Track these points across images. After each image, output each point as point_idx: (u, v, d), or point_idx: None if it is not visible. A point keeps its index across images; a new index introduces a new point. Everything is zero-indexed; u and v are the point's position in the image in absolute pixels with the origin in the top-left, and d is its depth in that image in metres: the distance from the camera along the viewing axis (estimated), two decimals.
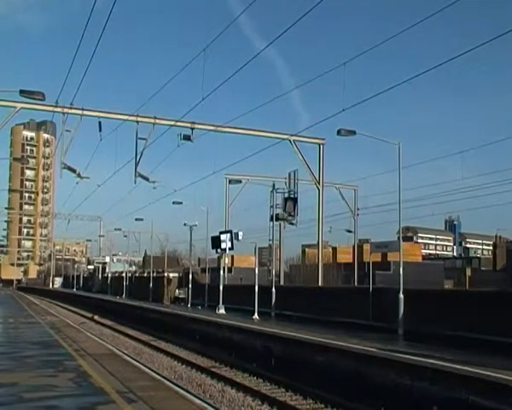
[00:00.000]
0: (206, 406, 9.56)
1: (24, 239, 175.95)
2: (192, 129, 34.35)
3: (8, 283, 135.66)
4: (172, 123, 34.27)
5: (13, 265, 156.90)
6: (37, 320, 28.05)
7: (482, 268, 55.15)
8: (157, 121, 34.63)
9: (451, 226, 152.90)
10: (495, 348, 16.76)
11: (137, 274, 70.39)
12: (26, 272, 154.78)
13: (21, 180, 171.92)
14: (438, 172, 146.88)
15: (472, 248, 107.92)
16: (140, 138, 34.31)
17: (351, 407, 12.82)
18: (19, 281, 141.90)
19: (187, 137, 34.15)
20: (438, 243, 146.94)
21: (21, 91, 23.20)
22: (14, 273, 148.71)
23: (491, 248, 59.74)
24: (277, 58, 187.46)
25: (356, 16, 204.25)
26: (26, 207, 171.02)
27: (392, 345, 17.13)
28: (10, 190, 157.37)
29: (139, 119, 34.57)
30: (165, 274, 53.98)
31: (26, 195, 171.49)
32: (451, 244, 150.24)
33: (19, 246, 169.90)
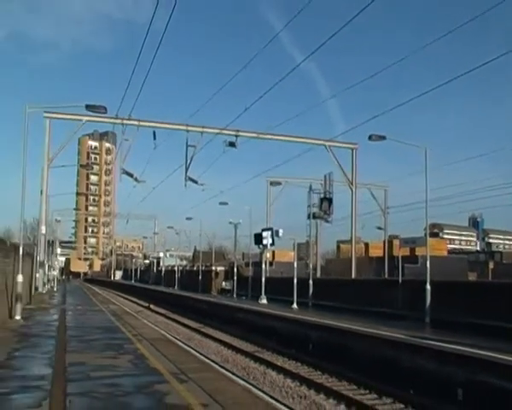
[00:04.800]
0: (249, 387, 9.56)
1: (89, 237, 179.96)
2: (236, 136, 34.53)
3: (76, 275, 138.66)
4: (218, 131, 34.48)
5: (80, 259, 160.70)
6: (101, 308, 28.53)
7: (504, 261, 53.74)
8: (205, 130, 34.92)
9: (475, 223, 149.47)
10: None
11: (188, 268, 70.98)
12: (91, 266, 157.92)
13: (87, 184, 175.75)
14: (463, 172, 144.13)
15: (494, 243, 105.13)
16: (190, 145, 34.72)
17: (382, 389, 12.65)
18: (85, 273, 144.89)
19: (232, 144, 34.36)
20: (462, 238, 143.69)
21: (87, 106, 23.65)
22: (81, 267, 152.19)
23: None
24: (315, 69, 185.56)
25: (386, 31, 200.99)
26: (90, 208, 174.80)
27: (420, 332, 16.83)
28: (77, 194, 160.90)
29: (189, 128, 34.93)
30: (213, 268, 54.27)
31: (91, 197, 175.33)
32: (475, 239, 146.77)
33: (85, 242, 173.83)
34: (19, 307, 19.84)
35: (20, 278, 20.32)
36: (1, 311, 17.49)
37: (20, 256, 20.63)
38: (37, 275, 37.60)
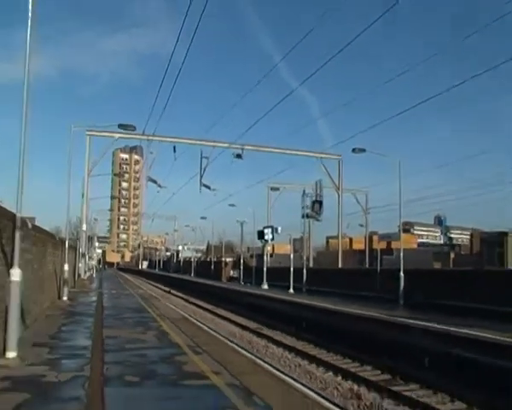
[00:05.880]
0: (253, 358, 9.57)
1: (121, 233, 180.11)
2: (242, 149, 34.64)
3: (111, 264, 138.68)
4: (227, 145, 34.61)
5: (113, 251, 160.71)
6: (131, 292, 28.55)
7: (462, 252, 53.73)
8: (216, 144, 35.05)
9: (439, 221, 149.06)
10: (472, 312, 16.53)
11: (202, 259, 71.08)
12: (122, 257, 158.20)
13: (119, 190, 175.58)
14: (430, 178, 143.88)
15: (455, 237, 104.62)
16: (204, 157, 34.85)
17: (363, 359, 12.66)
18: (118, 263, 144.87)
19: (239, 156, 34.49)
20: (429, 234, 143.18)
21: (119, 125, 23.94)
22: (115, 258, 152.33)
23: (469, 237, 57.95)
24: (307, 93, 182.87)
25: (371, 57, 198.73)
26: (122, 209, 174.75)
27: (395, 312, 16.86)
28: (112, 197, 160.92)
29: (203, 143, 35.10)
30: (223, 259, 54.38)
31: (123, 200, 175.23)
32: (439, 235, 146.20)
33: (117, 237, 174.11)
34: (65, 290, 20.10)
35: (66, 266, 20.64)
36: (52, 293, 17.58)
37: (66, 249, 20.96)
38: (80, 264, 37.70)
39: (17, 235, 7.87)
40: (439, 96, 18.50)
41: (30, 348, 8.58)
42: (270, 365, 9.50)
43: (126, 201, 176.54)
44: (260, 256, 42.60)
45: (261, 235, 35.09)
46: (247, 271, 43.64)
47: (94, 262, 65.93)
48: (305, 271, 31.49)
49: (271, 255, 49.79)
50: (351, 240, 58.39)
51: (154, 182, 38.72)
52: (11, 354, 7.55)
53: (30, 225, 11.10)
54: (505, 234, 44.31)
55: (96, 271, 67.63)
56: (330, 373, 11.50)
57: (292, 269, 31.09)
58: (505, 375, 9.70)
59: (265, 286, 33.35)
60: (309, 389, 7.47)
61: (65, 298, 19.57)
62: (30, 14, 7.97)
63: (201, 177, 34.97)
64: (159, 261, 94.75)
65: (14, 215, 8.01)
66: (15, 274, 7.64)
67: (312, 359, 12.99)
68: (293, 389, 6.78)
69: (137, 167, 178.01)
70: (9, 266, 7.77)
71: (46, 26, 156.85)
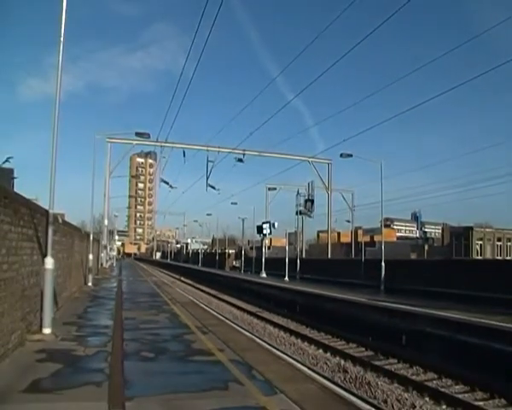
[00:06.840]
0: (253, 337, 9.59)
1: (137, 227, 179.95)
2: (243, 154, 34.64)
3: (129, 255, 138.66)
4: (230, 150, 34.60)
5: (131, 243, 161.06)
6: (146, 279, 28.57)
7: (435, 245, 54.02)
8: (220, 150, 35.01)
9: (415, 217, 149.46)
10: (443, 296, 16.61)
11: (208, 250, 71.01)
12: (139, 248, 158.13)
13: (136, 190, 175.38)
14: (409, 180, 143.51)
15: (428, 231, 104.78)
16: (209, 161, 34.80)
17: (349, 337, 12.72)
18: (135, 254, 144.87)
19: (240, 160, 34.49)
20: (406, 228, 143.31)
21: (136, 133, 23.95)
22: (132, 249, 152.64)
23: (440, 231, 58.20)
24: (301, 104, 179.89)
25: (357, 70, 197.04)
26: (138, 207, 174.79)
27: (377, 297, 16.89)
28: (129, 196, 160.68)
29: (209, 148, 35.05)
30: (226, 251, 54.37)
31: (139, 199, 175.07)
32: (415, 229, 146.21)
33: (134, 231, 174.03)
34: (90, 276, 20.18)
35: (91, 256, 20.70)
36: (79, 279, 17.65)
37: (91, 241, 21.05)
38: (102, 254, 37.75)
39: (50, 229, 7.99)
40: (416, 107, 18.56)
41: (61, 326, 8.68)
42: (268, 343, 9.54)
43: (142, 199, 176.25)
44: (259, 248, 42.62)
45: (260, 229, 35.11)
46: (248, 261, 43.66)
47: (114, 253, 65.90)
48: (298, 261, 31.51)
49: (269, 247, 49.85)
50: (339, 234, 58.40)
51: (166, 183, 38.80)
52: (47, 331, 7.73)
53: (60, 220, 11.19)
54: (470, 228, 44.57)
55: (116, 260, 67.62)
56: (320, 350, 11.55)
57: (287, 259, 31.13)
58: (470, 348, 9.83)
59: (264, 275, 33.36)
60: (302, 364, 7.52)
61: (90, 284, 19.63)
62: (62, 39, 8.04)
63: (207, 178, 34.97)
64: (170, 252, 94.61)
65: (47, 211, 8.12)
66: (49, 263, 7.81)
67: (304, 338, 13.02)
68: (288, 364, 6.82)
69: (152, 170, 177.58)
70: (44, 255, 7.89)
71: (76, 46, 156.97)
